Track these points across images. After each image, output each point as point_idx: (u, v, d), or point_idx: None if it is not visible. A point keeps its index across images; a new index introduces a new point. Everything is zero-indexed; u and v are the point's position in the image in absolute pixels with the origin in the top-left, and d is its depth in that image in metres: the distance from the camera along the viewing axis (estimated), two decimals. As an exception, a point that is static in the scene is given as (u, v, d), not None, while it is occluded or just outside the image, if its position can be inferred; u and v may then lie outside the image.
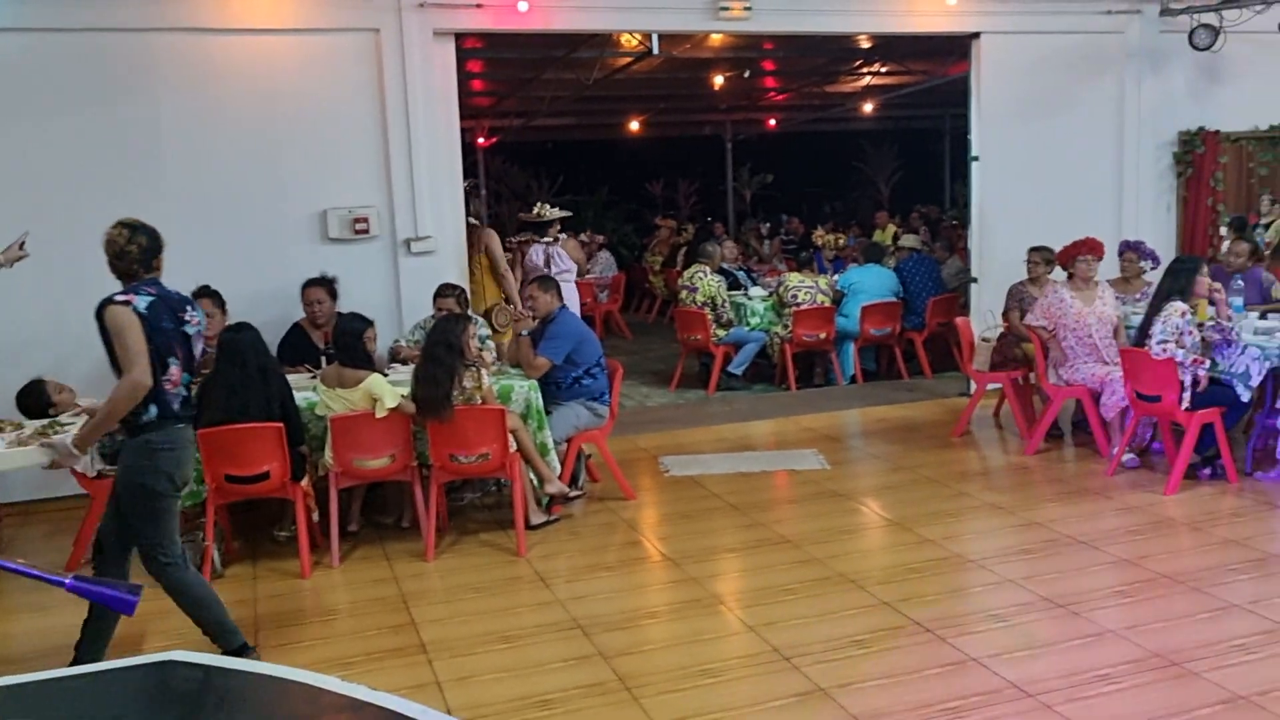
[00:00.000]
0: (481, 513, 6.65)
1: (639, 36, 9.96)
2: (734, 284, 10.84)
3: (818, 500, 6.66)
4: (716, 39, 10.31)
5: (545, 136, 18.90)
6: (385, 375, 6.03)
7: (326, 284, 6.95)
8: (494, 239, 8.42)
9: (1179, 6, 9.12)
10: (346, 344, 5.91)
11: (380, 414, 5.69)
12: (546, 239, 9.54)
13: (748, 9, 8.20)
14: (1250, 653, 4.34)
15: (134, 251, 4.13)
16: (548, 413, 6.31)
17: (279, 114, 7.40)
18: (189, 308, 4.29)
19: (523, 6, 7.71)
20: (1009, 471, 7.21)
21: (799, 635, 4.66)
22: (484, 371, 6.00)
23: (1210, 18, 9.00)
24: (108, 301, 4.07)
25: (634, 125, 18.13)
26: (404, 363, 6.68)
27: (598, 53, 10.93)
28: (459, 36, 8.01)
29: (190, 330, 4.25)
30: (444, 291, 6.88)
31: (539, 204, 10.05)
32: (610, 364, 6.85)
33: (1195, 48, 9.02)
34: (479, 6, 7.70)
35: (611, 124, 18.18)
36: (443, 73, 7.78)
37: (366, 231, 7.56)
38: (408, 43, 7.55)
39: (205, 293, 6.45)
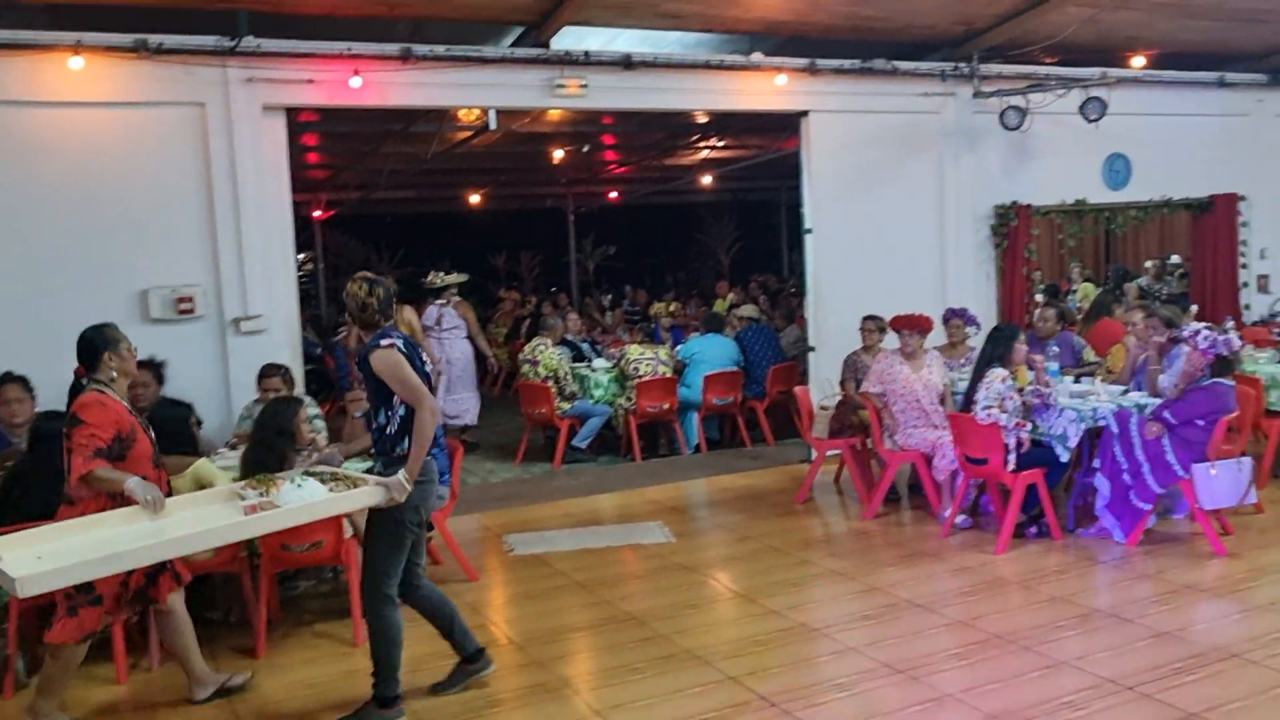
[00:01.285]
0: (316, 601, 6.37)
1: (477, 112, 9.98)
2: (578, 356, 10.84)
3: (664, 574, 6.63)
4: (555, 114, 10.43)
5: (385, 209, 18.70)
6: (213, 460, 5.75)
7: (153, 368, 6.63)
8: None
9: (990, 89, 9.69)
10: (168, 430, 5.61)
11: (208, 501, 5.41)
12: (441, 300, 10.36)
13: (584, 86, 8.32)
14: (1077, 709, 4.49)
15: (375, 303, 4.56)
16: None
17: (97, 189, 7.09)
18: (421, 349, 4.72)
19: (356, 82, 7.63)
20: (850, 537, 7.35)
21: (646, 717, 4.59)
22: (317, 456, 5.78)
23: (1018, 100, 9.58)
24: (374, 347, 4.47)
25: (475, 198, 18.11)
26: (232, 447, 6.39)
27: (436, 127, 10.90)
28: (291, 111, 7.86)
29: (429, 370, 4.67)
30: (268, 372, 6.65)
31: (433, 272, 10.70)
32: (450, 443, 6.70)
33: (1006, 128, 9.57)
34: (310, 82, 7.58)
35: (453, 197, 18.14)
36: (273, 148, 7.61)
37: (191, 311, 7.27)
38: (235, 117, 7.36)
39: (9, 378, 6.05)
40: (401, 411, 4.49)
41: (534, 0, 7.93)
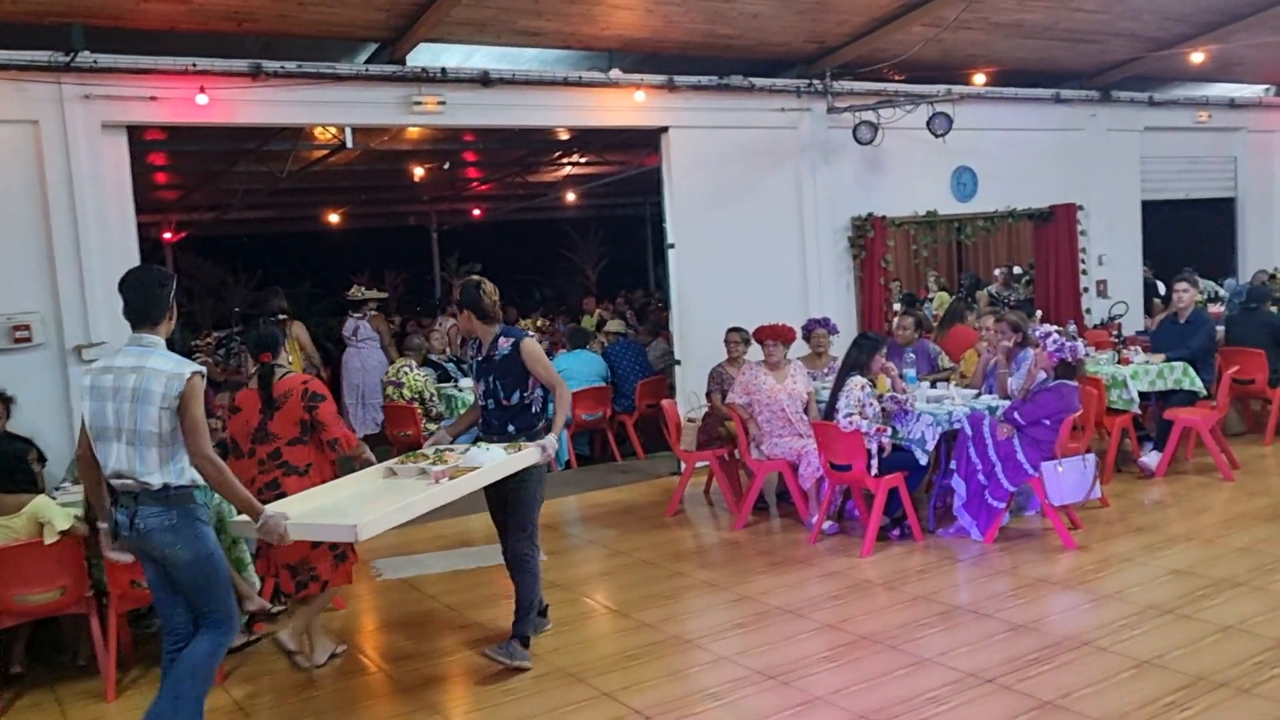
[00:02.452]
0: (173, 640, 6.09)
1: (334, 130, 9.77)
2: (444, 376, 10.68)
3: (536, 593, 6.56)
4: (414, 132, 10.29)
5: (241, 230, 18.12)
6: (54, 497, 5.46)
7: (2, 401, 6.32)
8: (303, 329, 9.48)
9: (843, 105, 9.96)
10: (5, 467, 5.31)
11: (50, 539, 5.13)
12: (359, 314, 11.26)
13: (441, 103, 8.24)
14: (941, 704, 4.62)
15: (491, 302, 5.43)
16: (244, 525, 5.89)
17: (-80, 212, 6.67)
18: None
19: (202, 99, 7.38)
20: (720, 547, 7.41)
21: (520, 739, 4.54)
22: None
23: (870, 115, 9.87)
24: (524, 336, 5.43)
25: (335, 217, 17.72)
26: (76, 482, 6.07)
27: (291, 145, 10.63)
28: (134, 129, 7.55)
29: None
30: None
31: (355, 286, 11.78)
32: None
33: (859, 142, 9.86)
34: (153, 99, 7.30)
35: (312, 216, 17.71)
36: (115, 167, 7.30)
37: (28, 340, 6.90)
38: (72, 136, 7.04)
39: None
40: (539, 392, 5.37)
41: (389, 16, 7.81)
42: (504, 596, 6.51)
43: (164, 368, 4.07)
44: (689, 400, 9.04)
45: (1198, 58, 11.07)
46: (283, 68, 7.72)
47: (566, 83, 8.88)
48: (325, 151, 11.07)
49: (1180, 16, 10.43)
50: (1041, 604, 5.85)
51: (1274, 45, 11.69)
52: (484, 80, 8.45)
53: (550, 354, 11.08)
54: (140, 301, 4.21)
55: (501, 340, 5.39)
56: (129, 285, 4.24)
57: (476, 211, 19.19)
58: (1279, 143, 14.06)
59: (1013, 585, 6.14)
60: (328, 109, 8.11)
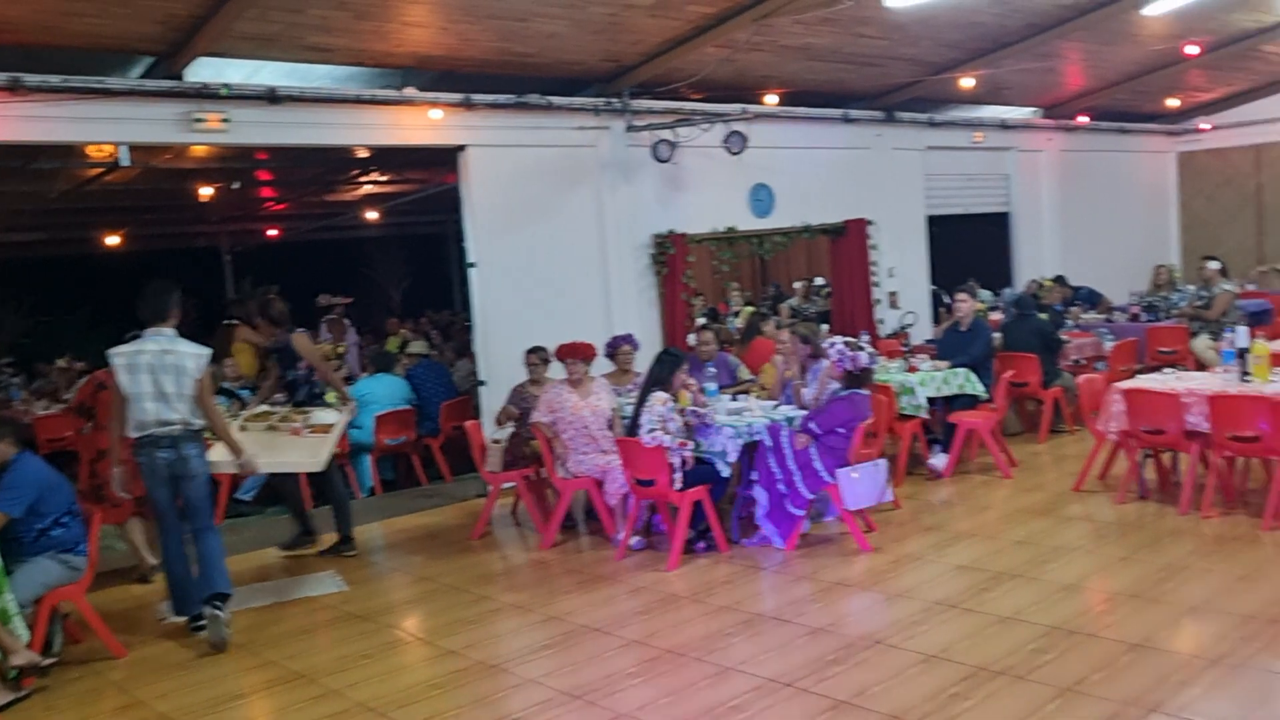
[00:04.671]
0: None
1: (109, 148, 9.21)
2: (241, 403, 10.20)
3: (336, 626, 6.34)
4: (200, 149, 9.82)
5: (9, 254, 16.84)
6: None
7: None
8: (250, 333, 9.83)
9: (641, 124, 10.09)
10: None
11: None
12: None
13: (226, 121, 7.90)
14: (742, 711, 4.70)
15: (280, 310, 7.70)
16: (8, 572, 5.46)
17: None
18: None
19: (-46, 113, 6.83)
20: (528, 568, 7.34)
21: (316, 781, 4.34)
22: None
23: (668, 134, 10.04)
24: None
25: (114, 239, 16.69)
26: None
27: (61, 163, 9.97)
28: (-125, 146, 6.92)
29: None
30: None
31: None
32: (85, 508, 6.11)
33: (658, 160, 10.01)
34: (-106, 112, 6.72)
35: (90, 238, 16.62)
36: None
37: None
38: None
39: None
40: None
41: (164, 29, 7.42)
42: (303, 632, 6.30)
43: (191, 350, 6.06)
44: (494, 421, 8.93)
45: (969, 82, 11.77)
46: (45, 81, 7.23)
47: (359, 101, 8.67)
48: (100, 170, 10.43)
49: (954, 43, 11.06)
50: (839, 606, 6.04)
51: (1037, 71, 12.57)
52: (271, 97, 8.14)
53: (350, 380, 10.78)
54: (155, 306, 6.11)
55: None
56: (145, 295, 6.13)
57: (272, 232, 18.49)
58: (1045, 161, 15.10)
59: (813, 590, 6.31)
60: (99, 125, 7.64)
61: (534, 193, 9.71)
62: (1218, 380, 7.45)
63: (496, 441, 8.27)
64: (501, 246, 9.46)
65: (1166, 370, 8.25)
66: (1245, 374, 7.25)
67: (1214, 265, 11.72)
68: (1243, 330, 7.65)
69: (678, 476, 6.90)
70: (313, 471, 7.22)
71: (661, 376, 7.15)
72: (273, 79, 8.36)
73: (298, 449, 7.01)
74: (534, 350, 8.28)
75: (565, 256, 9.88)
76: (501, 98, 9.36)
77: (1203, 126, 17.07)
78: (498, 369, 9.34)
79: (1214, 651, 4.99)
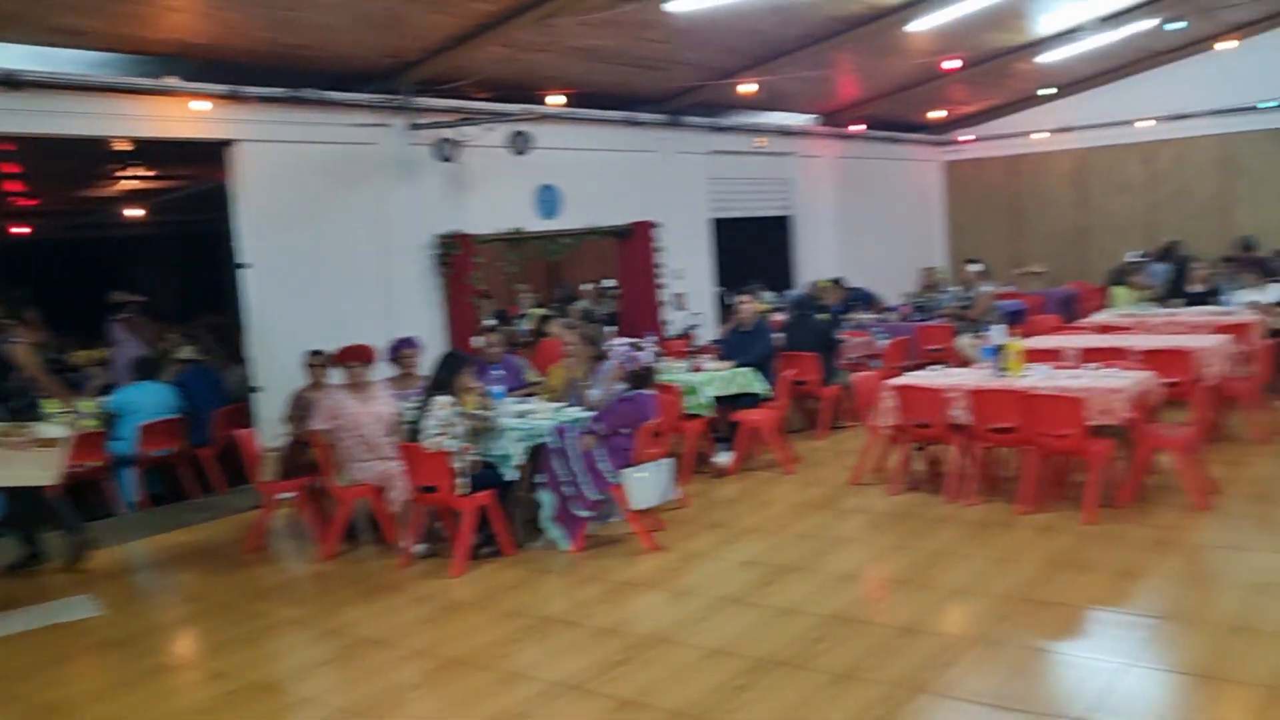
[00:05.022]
0: None
1: None
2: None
3: (91, 653, 5.88)
4: (-71, 138, 8.95)
5: None
6: None
7: None
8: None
9: (424, 122, 9.87)
10: None
11: None
12: None
13: (-44, 106, 7.22)
14: (528, 716, 4.64)
15: None
16: None
17: None
18: None
19: None
20: (308, 581, 7.03)
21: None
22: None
23: (451, 133, 9.86)
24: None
25: None
26: None
27: None
28: None
29: None
30: None
31: None
32: None
33: (441, 159, 9.81)
34: None
35: None
36: None
37: None
38: None
39: None
40: None
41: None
42: (52, 663, 5.80)
43: None
44: (271, 429, 8.52)
45: (750, 88, 12.10)
46: None
47: (114, 89, 8.10)
48: None
49: (735, 50, 11.35)
50: (625, 606, 6.04)
51: (814, 79, 13.05)
52: (11, 81, 7.48)
53: (109, 388, 10.09)
54: None
55: None
56: None
57: (23, 229, 17.10)
58: (824, 167, 15.73)
59: (599, 591, 6.30)
60: None
61: (311, 191, 9.34)
62: (977, 375, 7.89)
63: (272, 450, 7.88)
64: (276, 247, 9.05)
65: (934, 367, 8.68)
66: (1001, 369, 7.71)
67: (975, 268, 12.47)
68: (1000, 329, 8.13)
69: (461, 482, 6.76)
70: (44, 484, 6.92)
71: (445, 380, 6.99)
72: (13, 62, 7.67)
73: (26, 463, 6.66)
74: (313, 353, 7.95)
75: (345, 257, 9.55)
76: (273, 91, 8.95)
77: (964, 138, 18.20)
78: (275, 374, 8.92)
79: (975, 631, 5.27)
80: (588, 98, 11.69)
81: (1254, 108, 15.68)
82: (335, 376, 7.80)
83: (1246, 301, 10.81)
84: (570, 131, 11.55)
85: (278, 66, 9.00)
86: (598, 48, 10.21)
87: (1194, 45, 15.46)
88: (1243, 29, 15.08)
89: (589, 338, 7.66)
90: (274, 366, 8.91)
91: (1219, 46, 15.18)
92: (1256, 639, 4.93)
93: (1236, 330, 9.50)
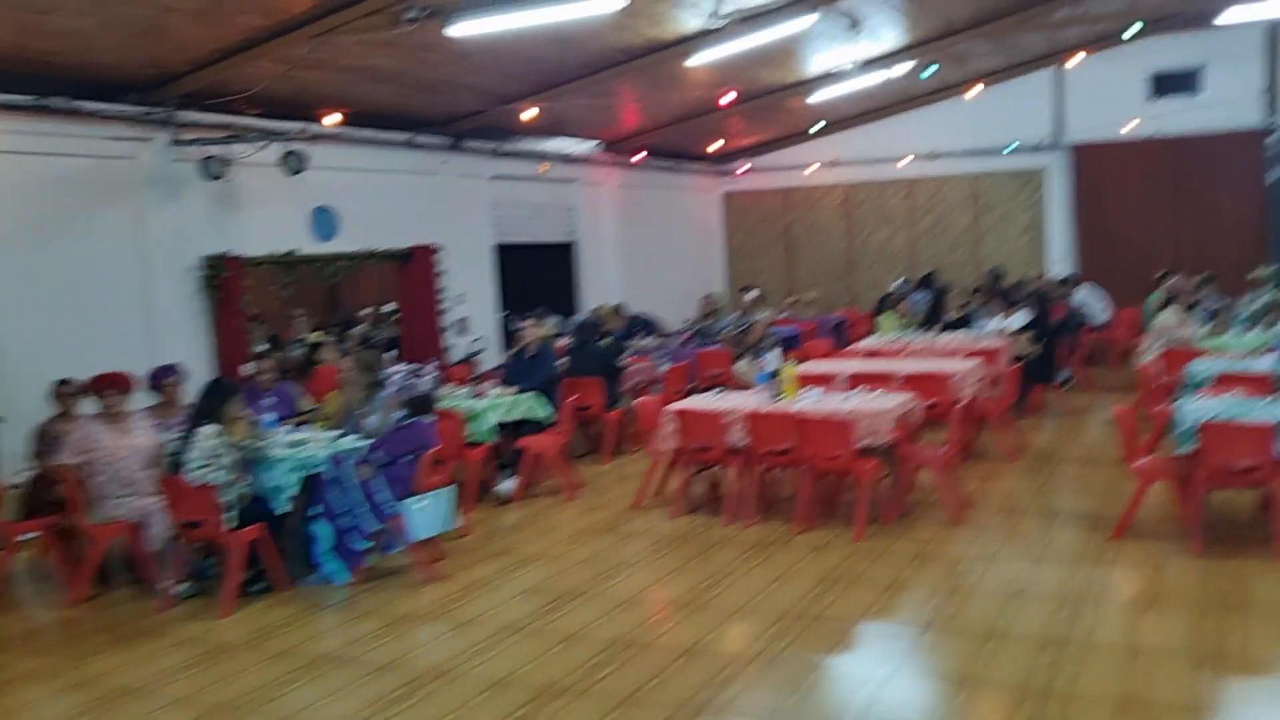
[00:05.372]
0: None
1: None
2: None
3: None
4: None
5: None
6: None
7: None
8: None
9: (190, 137, 9.37)
10: None
11: None
12: None
13: None
14: (299, 766, 4.39)
15: None
16: None
17: None
18: None
19: None
20: (54, 628, 6.48)
21: None
22: None
23: (220, 149, 9.40)
24: None
25: None
26: None
27: None
28: None
29: None
30: None
31: None
32: None
33: (209, 177, 9.34)
34: None
35: None
36: None
37: None
38: None
39: None
40: None
41: None
42: None
43: None
44: (13, 464, 7.82)
45: (531, 113, 12.13)
46: None
47: None
48: None
49: (518, 76, 11.34)
50: (405, 640, 5.87)
51: (597, 108, 13.22)
52: None
53: None
54: None
55: None
56: None
57: None
58: (607, 194, 15.94)
59: (378, 625, 6.09)
60: None
61: (61, 207, 8.67)
62: (754, 399, 8.13)
63: (16, 487, 7.25)
64: (20, 267, 8.35)
65: (713, 391, 8.89)
66: (777, 394, 7.97)
67: (752, 295, 12.89)
68: (774, 354, 8.42)
69: (230, 515, 6.41)
70: None
71: (211, 408, 6.63)
72: None
73: None
74: (62, 382, 7.37)
75: (100, 278, 8.91)
76: (16, 98, 8.27)
77: (741, 170, 18.86)
78: (20, 405, 8.17)
79: (753, 649, 5.40)
80: (367, 118, 11.41)
81: (999, 150, 16.96)
82: (88, 407, 7.25)
83: (995, 329, 11.63)
84: (349, 152, 11.25)
85: (25, 73, 8.32)
86: (377, 67, 9.98)
87: (948, 90, 16.62)
88: (988, 77, 16.33)
89: (366, 364, 7.43)
90: (17, 396, 8.17)
91: (970, 93, 16.40)
92: (1006, 644, 5.26)
93: (986, 355, 10.19)
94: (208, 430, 6.47)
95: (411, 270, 11.99)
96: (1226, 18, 12.04)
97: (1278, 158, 15.63)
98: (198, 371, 8.69)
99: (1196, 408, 6.66)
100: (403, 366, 7.09)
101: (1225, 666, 4.88)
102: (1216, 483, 6.44)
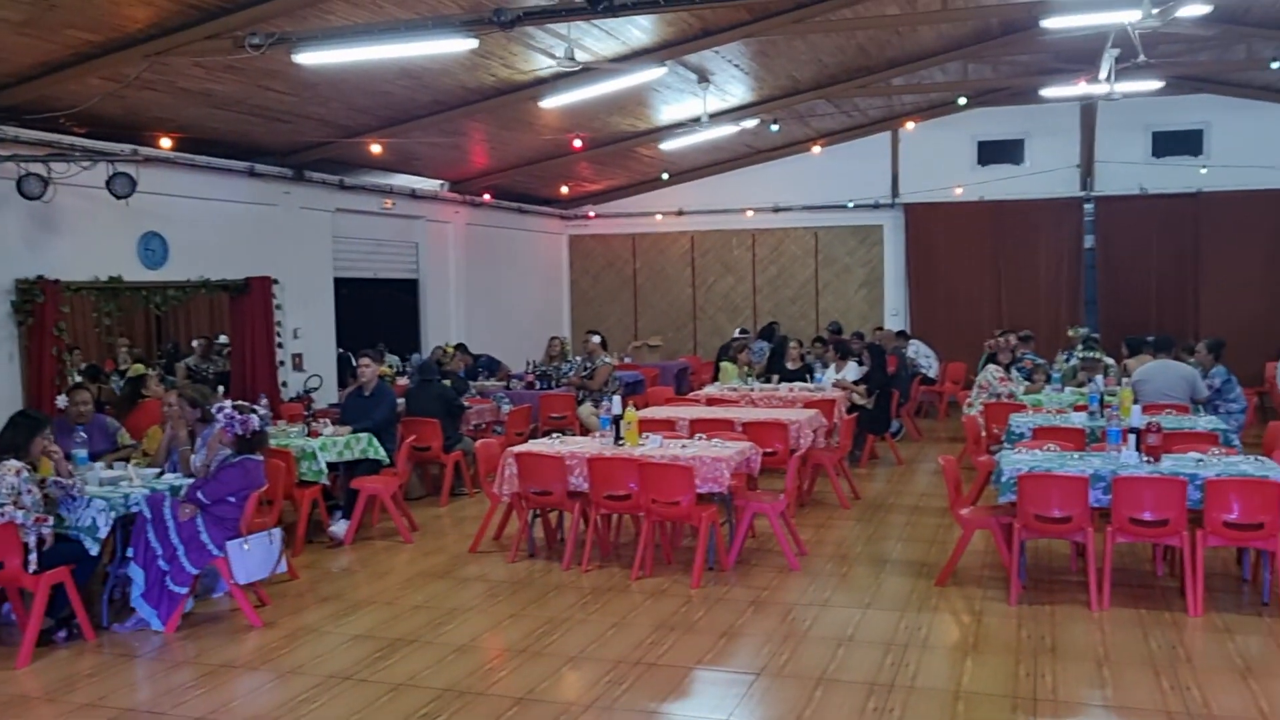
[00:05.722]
0: None
1: None
2: None
3: None
4: None
5: None
6: None
7: None
8: None
9: (5, 154, 8.83)
10: None
11: None
12: None
13: None
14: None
15: None
16: None
17: None
18: None
19: None
20: None
21: None
22: None
23: (39, 168, 8.89)
24: None
25: None
26: None
27: None
28: None
29: None
30: None
31: None
32: None
33: (26, 197, 8.80)
34: None
35: None
36: None
37: None
38: None
39: None
40: None
41: None
42: None
43: None
44: None
45: (376, 149, 11.94)
46: None
47: None
48: None
49: (364, 109, 11.15)
50: (224, 690, 5.57)
51: (445, 146, 13.12)
52: None
53: None
54: None
55: None
56: None
57: None
58: (452, 232, 15.78)
59: (195, 675, 5.77)
60: None
61: None
62: (596, 444, 8.11)
63: None
64: None
65: (554, 435, 8.83)
66: (619, 438, 7.97)
67: (596, 339, 12.91)
68: (617, 399, 8.43)
69: (33, 557, 5.98)
70: None
71: (16, 443, 6.21)
72: None
73: None
74: None
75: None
76: None
77: (589, 214, 18.99)
78: None
79: (588, 697, 5.32)
80: (205, 144, 11.00)
81: (839, 205, 17.58)
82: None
83: (833, 379, 11.96)
84: (183, 178, 10.80)
85: None
86: (215, 92, 9.64)
87: (792, 146, 17.17)
88: (830, 136, 16.95)
89: (191, 398, 7.09)
90: None
91: (813, 150, 16.98)
92: (835, 689, 5.35)
93: (823, 405, 10.45)
94: (11, 465, 6.04)
95: (246, 302, 11.55)
96: (1048, 93, 12.87)
97: (1091, 226, 16.70)
98: (6, 402, 8.12)
99: (1015, 460, 6.97)
100: (228, 403, 6.76)
101: (1039, 709, 5.07)
102: (1033, 531, 6.73)
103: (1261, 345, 14.79)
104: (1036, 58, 14.15)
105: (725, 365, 13.20)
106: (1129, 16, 8.06)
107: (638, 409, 8.81)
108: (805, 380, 12.28)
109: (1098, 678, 5.45)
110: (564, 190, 17.69)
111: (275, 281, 11.84)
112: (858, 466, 11.27)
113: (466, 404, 11.06)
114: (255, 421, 6.66)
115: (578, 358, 13.59)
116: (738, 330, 16.03)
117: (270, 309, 11.76)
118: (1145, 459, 6.76)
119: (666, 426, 9.11)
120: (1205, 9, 8.26)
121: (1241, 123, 15.80)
